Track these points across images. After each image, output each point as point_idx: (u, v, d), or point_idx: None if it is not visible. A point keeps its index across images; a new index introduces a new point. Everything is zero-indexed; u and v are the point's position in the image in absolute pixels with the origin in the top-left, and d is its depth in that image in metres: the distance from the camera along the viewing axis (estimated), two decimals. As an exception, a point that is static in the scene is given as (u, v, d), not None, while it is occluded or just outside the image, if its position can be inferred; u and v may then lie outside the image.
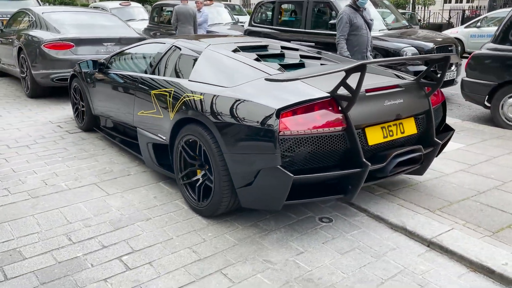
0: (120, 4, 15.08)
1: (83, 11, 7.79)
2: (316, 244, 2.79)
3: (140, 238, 2.82)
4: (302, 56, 3.75)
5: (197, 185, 3.10)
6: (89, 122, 4.98)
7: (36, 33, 6.77)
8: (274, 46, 4.00)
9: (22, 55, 6.97)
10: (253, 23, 9.75)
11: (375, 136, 2.86)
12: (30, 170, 3.94)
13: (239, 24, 12.69)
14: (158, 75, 3.77)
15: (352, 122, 2.70)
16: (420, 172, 3.31)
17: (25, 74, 7.05)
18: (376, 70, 3.49)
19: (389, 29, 7.93)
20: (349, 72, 2.59)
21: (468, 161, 4.22)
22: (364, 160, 2.68)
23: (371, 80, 3.12)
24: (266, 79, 2.55)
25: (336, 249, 2.74)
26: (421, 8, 22.68)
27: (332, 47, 7.71)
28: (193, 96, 3.10)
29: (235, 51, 3.59)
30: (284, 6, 9.34)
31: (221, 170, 2.83)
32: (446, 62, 3.10)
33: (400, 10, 20.01)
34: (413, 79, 3.26)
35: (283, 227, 2.99)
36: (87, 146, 4.63)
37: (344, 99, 2.69)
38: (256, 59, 3.42)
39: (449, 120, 5.66)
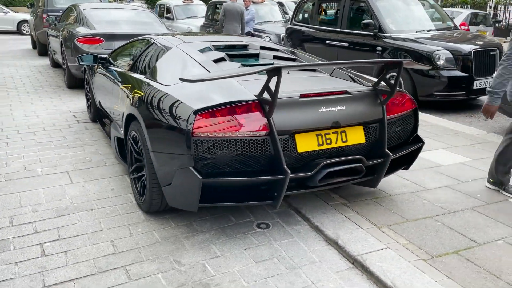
0: (183, 2, 15.67)
1: (123, 8, 8.18)
2: (237, 249, 2.73)
3: (72, 227, 2.94)
4: (275, 57, 3.67)
5: (141, 180, 3.17)
6: (95, 113, 5.26)
7: (74, 28, 7.25)
8: (254, 46, 3.95)
9: (62, 48, 7.52)
10: (294, 22, 9.65)
11: (306, 143, 2.73)
12: (21, 155, 4.25)
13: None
14: (135, 70, 3.90)
15: (276, 127, 2.60)
16: (373, 184, 3.10)
17: (65, 66, 7.58)
18: (337, 74, 3.33)
19: (428, 31, 7.46)
20: (270, 74, 2.50)
21: (461, 177, 3.87)
22: (285, 167, 2.58)
23: (317, 85, 2.99)
24: (180, 79, 2.54)
25: (254, 256, 2.66)
26: (501, 8, 20.95)
27: (364, 47, 7.43)
28: (138, 92, 3.17)
29: (203, 50, 3.60)
30: (324, 4, 9.12)
31: (150, 167, 2.87)
32: (399, 68, 2.87)
33: (478, 11, 18.65)
34: (370, 85, 3.06)
35: (216, 229, 2.96)
36: (84, 135, 4.89)
37: (266, 103, 2.60)
38: (220, 59, 3.40)
39: (471, 131, 5.23)
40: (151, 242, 2.79)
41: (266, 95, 2.59)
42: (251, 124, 2.58)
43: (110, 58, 4.75)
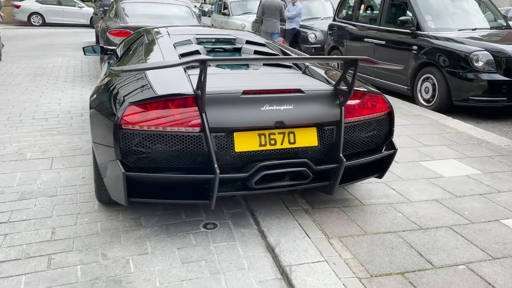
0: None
1: (159, 2, 8.34)
2: (170, 248, 2.65)
3: (25, 211, 3.01)
4: (256, 53, 3.52)
5: (98, 170, 3.18)
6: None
7: (109, 21, 7.53)
8: (240, 40, 3.82)
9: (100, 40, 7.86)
10: (337, 18, 9.32)
11: (246, 143, 2.57)
12: (22, 139, 4.46)
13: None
14: (125, 62, 3.93)
15: (211, 124, 2.48)
16: (329, 191, 2.87)
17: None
18: (311, 71, 3.12)
19: (473, 29, 6.85)
20: (200, 67, 2.37)
21: (457, 191, 3.50)
22: (215, 166, 2.45)
23: (273, 82, 2.81)
24: (111, 69, 2.49)
25: (183, 257, 2.56)
26: None
27: (400, 46, 6.97)
28: (103, 79, 3.18)
29: (180, 44, 3.55)
30: (366, 1, 8.70)
31: (93, 158, 2.87)
32: (354, 66, 2.62)
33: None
34: (331, 84, 2.83)
35: (160, 225, 2.89)
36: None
37: (199, 98, 2.49)
38: (192, 53, 3.33)
39: (500, 141, 4.72)
40: (90, 233, 2.78)
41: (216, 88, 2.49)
42: (184, 120, 2.48)
43: (117, 50, 4.85)
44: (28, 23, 20.09)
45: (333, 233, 2.80)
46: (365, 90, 2.93)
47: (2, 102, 5.97)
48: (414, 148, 4.52)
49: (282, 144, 2.62)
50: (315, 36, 10.63)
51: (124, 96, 2.58)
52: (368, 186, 3.54)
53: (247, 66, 3.16)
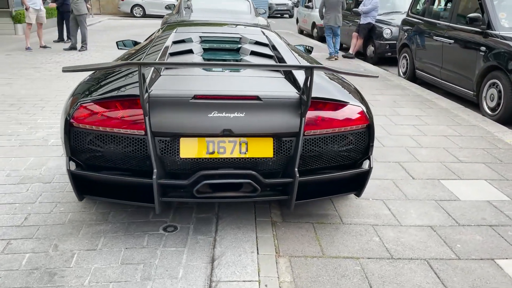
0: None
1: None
2: (119, 247, 2.67)
3: (14, 195, 3.23)
4: (253, 53, 3.40)
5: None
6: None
7: (170, 16, 7.80)
8: (245, 40, 3.71)
9: (163, 32, 8.18)
10: (410, 13, 8.66)
11: (192, 149, 2.49)
12: (54, 125, 4.82)
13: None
14: None
15: (155, 128, 2.44)
16: (288, 206, 2.67)
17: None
18: (297, 76, 2.92)
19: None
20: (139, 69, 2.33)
21: (463, 219, 3.09)
22: (154, 171, 2.42)
23: (230, 86, 2.68)
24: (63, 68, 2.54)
25: (126, 258, 2.56)
26: None
27: (468, 46, 6.26)
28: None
29: (178, 42, 3.54)
30: (440, -5, 7.94)
31: None
32: (309, 75, 2.39)
33: None
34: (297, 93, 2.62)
35: (124, 223, 2.92)
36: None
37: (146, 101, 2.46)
38: (186, 52, 3.31)
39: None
40: (57, 222, 2.92)
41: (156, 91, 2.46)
42: (130, 122, 2.48)
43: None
44: (130, 14, 21.62)
45: (286, 251, 2.61)
46: (340, 100, 2.67)
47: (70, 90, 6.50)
48: (444, 164, 4.05)
49: (232, 153, 2.50)
50: (391, 31, 10.00)
51: (80, 94, 2.65)
52: (361, 203, 3.26)
53: (228, 69, 3.05)
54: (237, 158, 2.50)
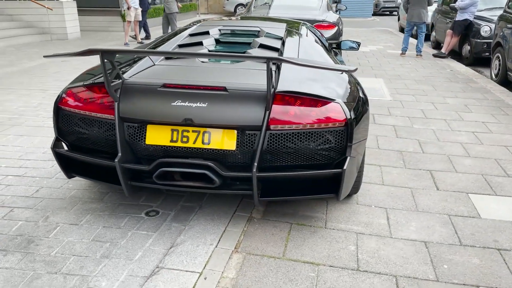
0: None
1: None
2: (97, 225, 2.80)
3: (37, 170, 3.58)
4: (262, 46, 3.35)
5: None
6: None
7: (242, 13, 7.93)
8: (263, 33, 3.66)
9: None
10: (506, 9, 7.75)
11: (157, 137, 2.54)
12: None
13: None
14: None
15: (123, 114, 2.54)
16: (254, 202, 2.58)
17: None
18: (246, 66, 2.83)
19: None
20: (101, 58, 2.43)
21: (470, 239, 2.74)
22: (119, 155, 2.52)
23: (206, 77, 2.68)
24: (44, 56, 2.73)
25: (98, 235, 2.67)
26: None
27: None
28: None
29: (194, 34, 3.63)
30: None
31: None
32: (268, 67, 2.28)
33: None
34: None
35: (115, 203, 3.06)
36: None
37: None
38: (197, 43, 3.39)
39: None
40: (60, 197, 3.18)
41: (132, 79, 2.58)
42: (103, 106, 2.61)
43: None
44: (234, 13, 22.43)
45: (246, 248, 2.54)
46: (314, 95, 2.51)
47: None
48: (485, 176, 3.59)
49: (194, 143, 2.49)
50: (490, 29, 9.01)
51: (74, 79, 2.85)
52: (359, 209, 3.04)
53: (227, 60, 3.04)
54: (199, 148, 2.49)
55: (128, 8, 10.61)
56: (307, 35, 3.76)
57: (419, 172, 3.68)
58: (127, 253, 2.52)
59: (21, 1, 12.03)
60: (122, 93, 2.55)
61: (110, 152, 2.67)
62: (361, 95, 2.91)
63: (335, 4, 10.45)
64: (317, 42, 3.77)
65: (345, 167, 2.46)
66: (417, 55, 9.83)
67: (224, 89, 2.47)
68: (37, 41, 11.86)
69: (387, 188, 3.37)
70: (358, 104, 2.71)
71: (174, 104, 2.47)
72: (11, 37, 11.35)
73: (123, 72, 2.72)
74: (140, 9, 11.00)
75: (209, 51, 3.24)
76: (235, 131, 2.46)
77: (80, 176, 2.83)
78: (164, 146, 2.52)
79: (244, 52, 3.15)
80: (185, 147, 2.50)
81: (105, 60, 2.39)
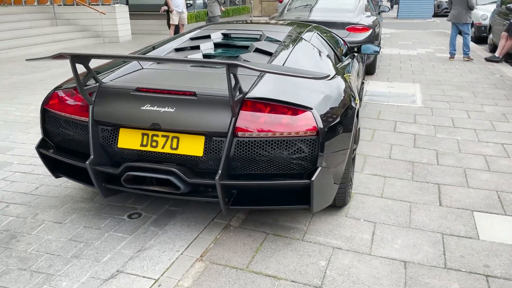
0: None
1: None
2: (79, 224, 2.86)
3: (43, 168, 3.75)
4: (256, 50, 3.29)
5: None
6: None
7: (274, 15, 7.87)
8: (263, 37, 3.59)
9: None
10: None
11: (128, 140, 2.55)
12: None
13: None
14: None
15: (97, 117, 2.58)
16: (222, 210, 2.52)
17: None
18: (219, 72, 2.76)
19: None
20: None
21: (458, 263, 2.53)
22: (91, 157, 2.57)
23: (180, 81, 2.66)
24: (27, 60, 2.81)
25: (76, 235, 2.73)
26: None
27: None
28: None
29: (194, 38, 3.63)
30: None
31: None
32: (228, 72, 2.21)
33: None
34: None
35: (102, 204, 3.11)
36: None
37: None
38: (194, 47, 3.40)
39: None
40: (55, 195, 3.28)
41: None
42: (81, 109, 2.67)
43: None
44: None
45: (212, 256, 2.49)
46: (286, 102, 2.41)
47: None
48: (499, 193, 3.32)
49: (163, 148, 2.48)
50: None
51: (63, 82, 2.94)
52: (345, 222, 2.89)
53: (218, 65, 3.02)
54: (168, 153, 2.47)
55: (171, 12, 10.87)
56: (310, 40, 3.63)
57: (425, 185, 3.44)
58: (97, 255, 2.55)
59: (78, 7, 12.72)
60: (98, 96, 2.59)
61: (89, 154, 2.72)
62: (349, 103, 2.77)
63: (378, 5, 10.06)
64: (320, 47, 3.62)
65: (313, 178, 2.34)
66: (464, 58, 9.26)
67: (193, 94, 2.44)
68: (91, 44, 12.48)
69: (384, 201, 3.18)
70: (339, 112, 2.57)
71: (144, 108, 2.47)
72: (68, 40, 12.03)
73: (106, 76, 2.76)
74: (185, 13, 11.23)
75: (203, 55, 3.22)
76: (204, 137, 2.42)
77: (65, 177, 2.91)
78: (135, 150, 2.53)
79: (237, 57, 3.10)
80: (154, 152, 2.50)
81: (76, 64, 2.43)
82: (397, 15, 22.17)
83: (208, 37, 3.63)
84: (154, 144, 2.49)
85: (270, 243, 2.64)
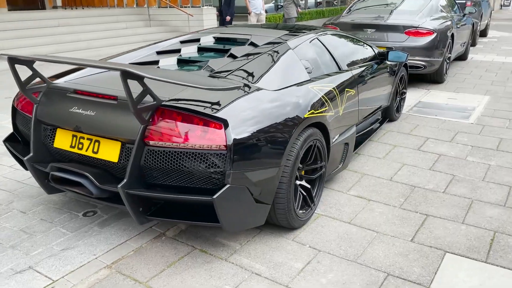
0: None
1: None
2: (41, 217, 2.99)
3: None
4: (230, 55, 3.19)
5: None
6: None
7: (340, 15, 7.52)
8: (256, 39, 3.44)
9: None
10: None
11: (62, 141, 2.62)
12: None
13: None
14: None
15: (40, 116, 2.69)
16: (134, 219, 2.46)
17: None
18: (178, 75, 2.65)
19: None
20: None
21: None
22: (31, 154, 2.69)
23: (110, 84, 2.65)
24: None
25: (30, 226, 2.92)
26: None
27: None
28: None
29: (183, 41, 3.63)
30: None
31: None
32: (123, 78, 2.14)
33: None
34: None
35: (78, 201, 3.28)
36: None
37: (37, 91, 2.74)
38: (172, 51, 3.42)
39: None
40: (37, 185, 3.52)
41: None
42: (28, 108, 2.82)
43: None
44: None
45: (121, 266, 2.45)
46: (198, 112, 2.27)
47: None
48: (496, 234, 2.80)
49: (87, 150, 2.51)
50: None
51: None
52: (287, 246, 2.67)
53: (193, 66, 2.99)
54: (90, 156, 2.49)
55: (249, 13, 10.98)
56: (295, 47, 3.32)
57: (411, 215, 3.01)
58: (31, 248, 2.66)
59: (168, 9, 13.49)
60: (44, 96, 2.70)
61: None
62: (293, 116, 2.53)
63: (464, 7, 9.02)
64: (303, 54, 3.32)
65: (215, 196, 2.17)
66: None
67: (115, 98, 2.42)
68: (178, 44, 13.16)
69: (348, 227, 2.85)
70: (268, 127, 2.37)
71: (71, 110, 2.52)
72: (157, 40, 12.83)
73: (69, 78, 2.86)
74: (264, 14, 11.27)
75: (178, 60, 3.20)
76: (120, 144, 2.39)
77: (24, 169, 3.08)
78: (66, 151, 2.59)
79: (207, 61, 3.02)
80: (79, 154, 2.53)
81: (16, 65, 2.55)
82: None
83: (198, 40, 3.58)
84: (80, 146, 2.53)
85: (190, 258, 2.51)
